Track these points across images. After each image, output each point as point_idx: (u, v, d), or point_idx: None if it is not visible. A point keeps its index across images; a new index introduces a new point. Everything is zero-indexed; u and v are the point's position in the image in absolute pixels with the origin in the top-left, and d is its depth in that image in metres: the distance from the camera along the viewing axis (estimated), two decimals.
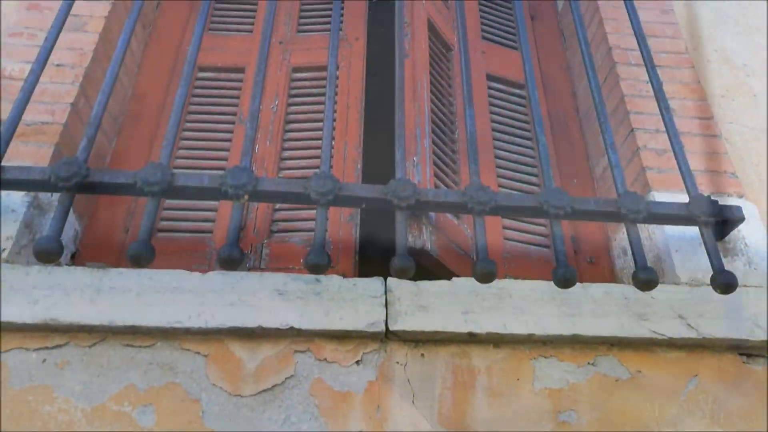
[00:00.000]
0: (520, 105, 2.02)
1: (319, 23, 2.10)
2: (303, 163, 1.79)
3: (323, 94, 1.91)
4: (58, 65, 1.60)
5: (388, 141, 1.64)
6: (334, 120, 1.57)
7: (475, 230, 1.32)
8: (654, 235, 1.57)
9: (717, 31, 1.99)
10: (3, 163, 1.28)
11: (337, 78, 1.93)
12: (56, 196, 1.39)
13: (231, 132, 1.84)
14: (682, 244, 1.50)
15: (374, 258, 2.01)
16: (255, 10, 2.12)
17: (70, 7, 1.57)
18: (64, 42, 1.62)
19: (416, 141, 1.57)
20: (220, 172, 1.28)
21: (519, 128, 1.97)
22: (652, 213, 1.38)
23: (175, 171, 1.29)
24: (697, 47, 1.94)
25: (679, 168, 1.47)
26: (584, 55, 1.65)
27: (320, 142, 1.79)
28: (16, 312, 1.23)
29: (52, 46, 1.48)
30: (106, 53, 1.73)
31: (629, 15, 1.75)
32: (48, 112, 1.53)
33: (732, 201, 1.57)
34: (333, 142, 1.78)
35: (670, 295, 1.39)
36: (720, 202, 1.46)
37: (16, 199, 1.37)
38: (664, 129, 1.56)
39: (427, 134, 1.61)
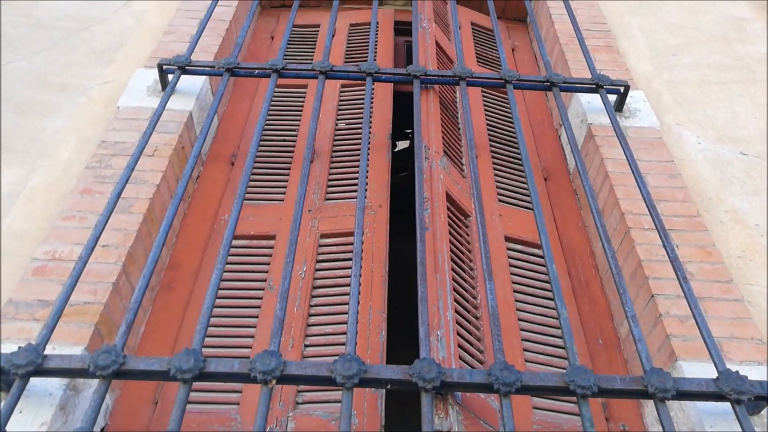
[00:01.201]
0: (541, 265, 2.07)
1: (346, 191, 2.24)
2: (329, 329, 1.83)
3: (349, 259, 2.01)
4: (103, 246, 1.73)
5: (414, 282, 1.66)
6: (359, 295, 1.62)
7: (502, 411, 1.31)
8: (686, 407, 1.53)
9: (725, 192, 2.07)
10: (46, 351, 1.36)
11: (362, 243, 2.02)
12: None
13: (260, 298, 1.91)
14: (716, 420, 1.45)
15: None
16: (286, 181, 2.29)
17: (120, 193, 1.73)
18: (110, 223, 1.76)
19: (439, 313, 1.61)
20: (249, 359, 1.32)
21: (541, 288, 2.00)
22: (681, 391, 1.36)
23: (206, 357, 1.34)
24: (708, 208, 2.01)
25: (704, 341, 1.47)
26: (598, 225, 1.73)
27: (346, 307, 1.85)
28: None
29: (101, 233, 1.61)
30: (147, 231, 1.86)
31: (638, 185, 1.85)
32: (91, 292, 1.62)
33: (762, 371, 1.54)
34: (358, 307, 1.82)
35: None
36: (750, 376, 1.45)
37: (54, 382, 1.42)
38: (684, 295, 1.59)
39: (449, 305, 1.65)
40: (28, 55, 2.46)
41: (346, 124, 2.56)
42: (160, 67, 2.23)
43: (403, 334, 2.45)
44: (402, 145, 5.08)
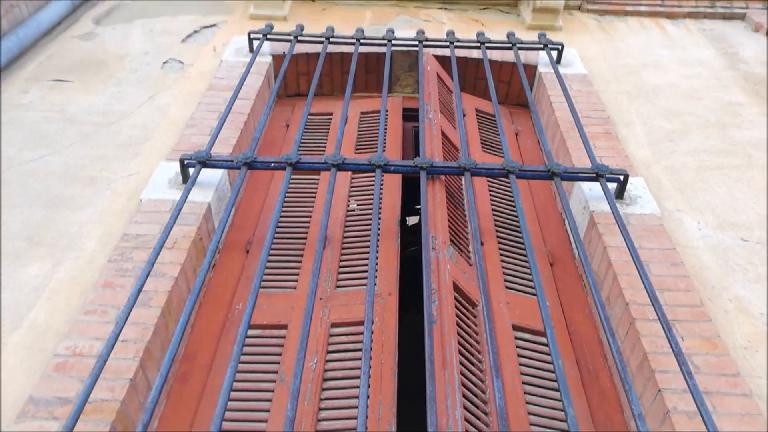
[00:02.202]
0: (548, 353, 2.09)
1: (356, 278, 2.31)
2: (338, 424, 1.84)
3: (359, 350, 2.04)
4: (122, 341, 1.79)
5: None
6: (368, 397, 1.66)
7: None
8: None
9: (728, 279, 2.11)
10: None
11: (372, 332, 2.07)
12: None
13: (272, 391, 1.94)
14: None
15: None
16: (299, 268, 2.36)
17: (140, 289, 1.81)
18: (129, 317, 1.83)
19: (448, 412, 1.63)
20: None
21: (549, 378, 2.01)
22: None
23: None
24: (711, 297, 2.05)
25: None
26: (601, 318, 1.77)
27: (356, 401, 1.87)
28: None
29: (121, 330, 1.68)
30: (165, 325, 1.93)
31: (640, 276, 1.90)
32: (108, 388, 1.67)
33: None
34: (368, 401, 1.85)
35: None
36: None
37: None
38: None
39: (458, 404, 1.67)
40: (60, 149, 2.62)
41: (358, 206, 2.66)
42: (181, 161, 2.37)
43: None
44: (413, 220, 5.19)
